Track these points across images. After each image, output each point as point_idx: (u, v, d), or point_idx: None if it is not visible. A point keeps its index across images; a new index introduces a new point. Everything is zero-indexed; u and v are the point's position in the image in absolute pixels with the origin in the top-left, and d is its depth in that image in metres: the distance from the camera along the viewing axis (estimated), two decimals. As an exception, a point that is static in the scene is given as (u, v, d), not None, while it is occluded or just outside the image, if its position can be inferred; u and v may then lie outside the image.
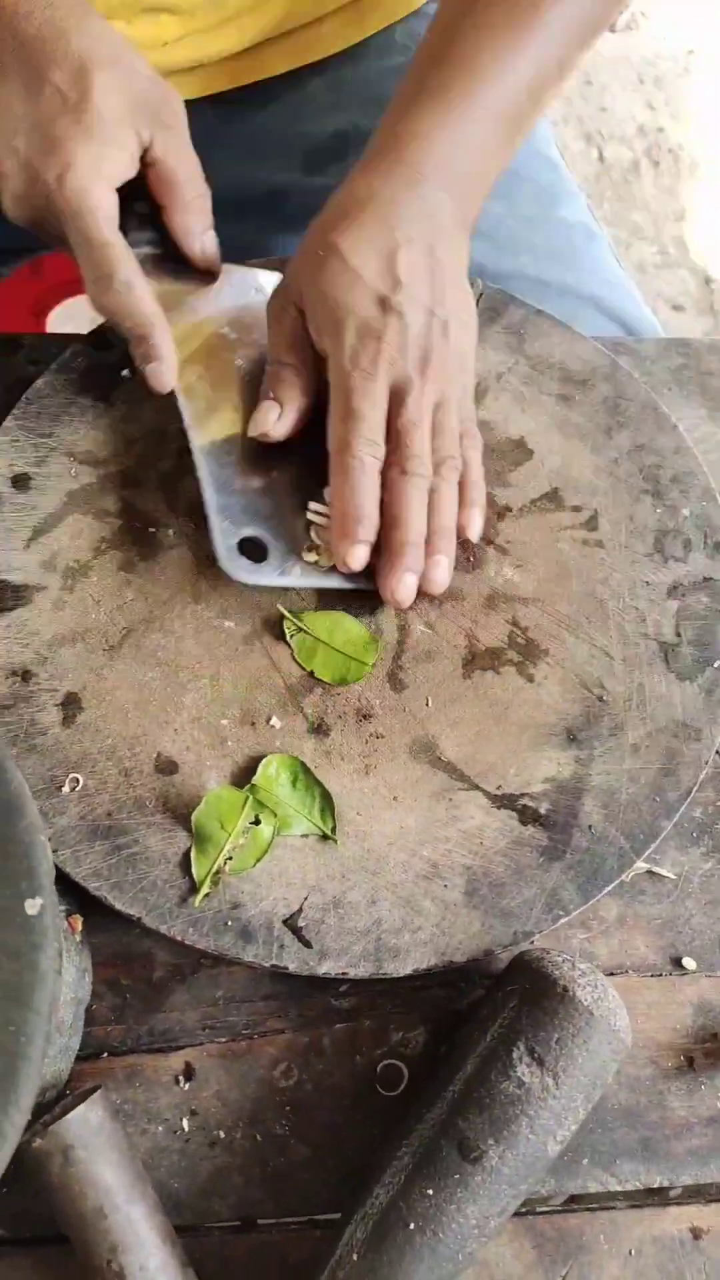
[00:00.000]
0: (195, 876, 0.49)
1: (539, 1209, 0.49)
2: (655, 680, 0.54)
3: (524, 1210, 0.49)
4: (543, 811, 0.51)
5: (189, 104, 0.67)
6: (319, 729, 0.52)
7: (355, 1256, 0.43)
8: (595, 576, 0.56)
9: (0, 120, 0.52)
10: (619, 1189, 0.49)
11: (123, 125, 0.52)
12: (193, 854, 0.49)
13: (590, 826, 0.51)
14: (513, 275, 0.67)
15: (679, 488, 0.58)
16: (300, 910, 0.49)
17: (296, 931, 0.48)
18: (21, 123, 0.51)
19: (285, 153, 0.71)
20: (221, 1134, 0.49)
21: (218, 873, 0.49)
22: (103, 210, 0.51)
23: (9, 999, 0.28)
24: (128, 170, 0.53)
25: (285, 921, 0.49)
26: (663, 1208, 0.49)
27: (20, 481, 0.56)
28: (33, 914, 0.29)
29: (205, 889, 0.48)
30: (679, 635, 0.55)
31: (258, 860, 0.49)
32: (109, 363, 0.59)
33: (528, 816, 0.51)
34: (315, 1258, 0.44)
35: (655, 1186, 0.49)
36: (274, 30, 0.67)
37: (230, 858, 0.49)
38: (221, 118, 0.70)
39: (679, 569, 0.56)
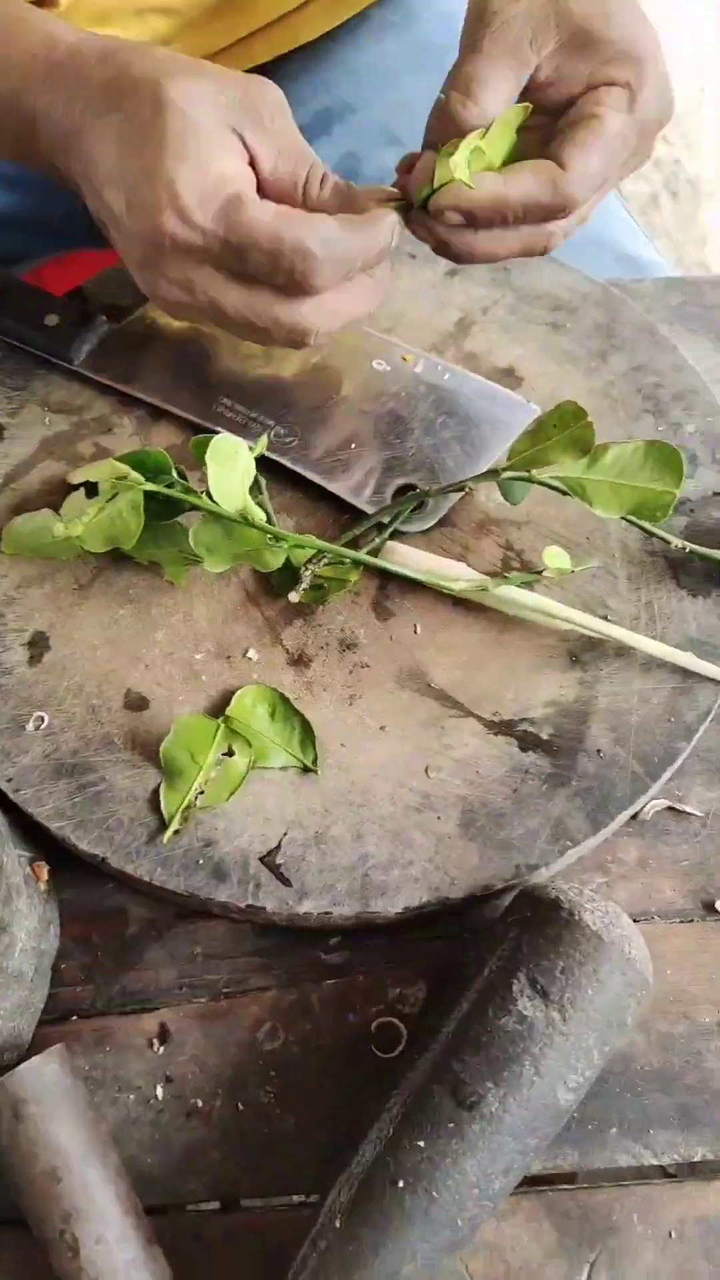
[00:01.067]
0: (165, 812, 0.45)
1: (561, 1185, 0.42)
2: (665, 597, 0.50)
3: (543, 1186, 0.42)
4: (544, 736, 0.47)
5: None
6: (299, 660, 0.49)
7: (338, 1223, 0.37)
8: (594, 496, 0.52)
9: (100, 171, 0.46)
10: (654, 1163, 0.42)
11: (218, 128, 0.45)
12: (162, 788, 0.45)
13: (598, 750, 0.46)
14: None
15: (681, 405, 0.55)
16: (279, 846, 0.45)
17: (274, 869, 0.44)
18: (116, 169, 0.45)
19: None
20: (199, 1103, 0.44)
21: (189, 807, 0.45)
22: (248, 194, 0.44)
23: None
24: (242, 170, 0.46)
25: (262, 859, 0.44)
26: (706, 1182, 0.42)
27: (-7, 432, 0.55)
28: None
29: (175, 825, 0.44)
30: (688, 550, 0.51)
31: (231, 793, 0.45)
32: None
33: (528, 742, 0.47)
34: (301, 1239, 0.39)
35: (696, 1160, 0.43)
36: (261, 22, 0.68)
37: (202, 791, 0.45)
38: None
39: (685, 484, 0.52)
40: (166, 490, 0.47)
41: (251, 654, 0.49)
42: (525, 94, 0.48)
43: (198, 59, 0.48)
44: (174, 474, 0.48)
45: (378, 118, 0.68)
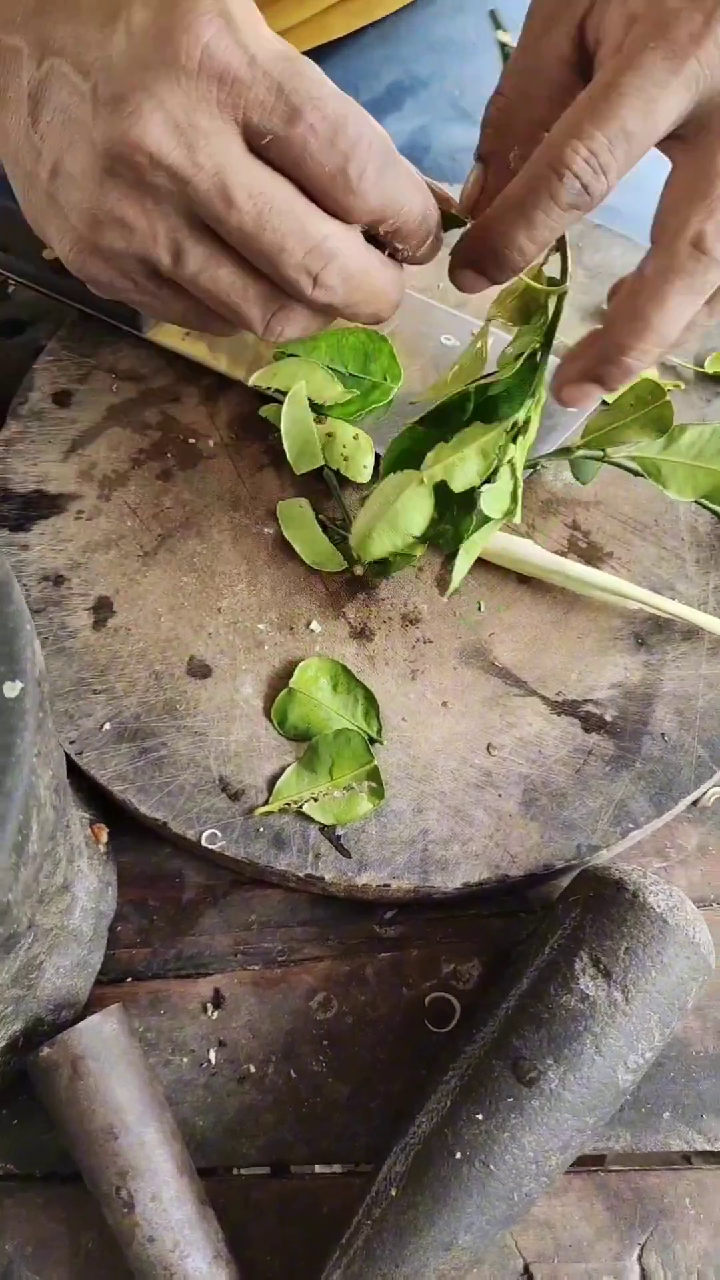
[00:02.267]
0: (278, 788, 0.45)
1: (612, 1166, 0.42)
2: (733, 582, 0.49)
3: (595, 1167, 0.42)
4: (609, 718, 0.46)
5: None
6: (361, 633, 0.49)
7: (394, 1192, 0.37)
8: (663, 478, 0.52)
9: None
10: (706, 1148, 0.42)
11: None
12: (293, 769, 0.45)
13: (663, 734, 0.46)
14: None
15: (754, 389, 0.54)
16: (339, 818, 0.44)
17: (334, 840, 0.44)
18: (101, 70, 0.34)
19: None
20: (252, 1068, 0.44)
21: (294, 804, 0.45)
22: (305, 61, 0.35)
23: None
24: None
25: (322, 829, 0.44)
26: (760, 1171, 0.42)
27: (61, 398, 0.55)
28: (10, 696, 0.26)
29: (274, 806, 0.44)
30: (759, 536, 0.50)
31: (336, 823, 0.45)
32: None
33: (592, 723, 0.46)
34: (352, 1205, 0.39)
35: (751, 1148, 0.42)
36: (329, 1, 0.68)
37: (315, 799, 0.45)
38: None
39: (757, 469, 0.52)
40: None
41: (314, 626, 0.49)
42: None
43: None
44: None
45: (450, 91, 0.68)
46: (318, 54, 0.71)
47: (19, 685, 0.27)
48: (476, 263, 0.41)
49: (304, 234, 0.35)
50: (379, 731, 0.46)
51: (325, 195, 0.35)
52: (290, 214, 0.35)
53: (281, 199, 0.35)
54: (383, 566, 0.48)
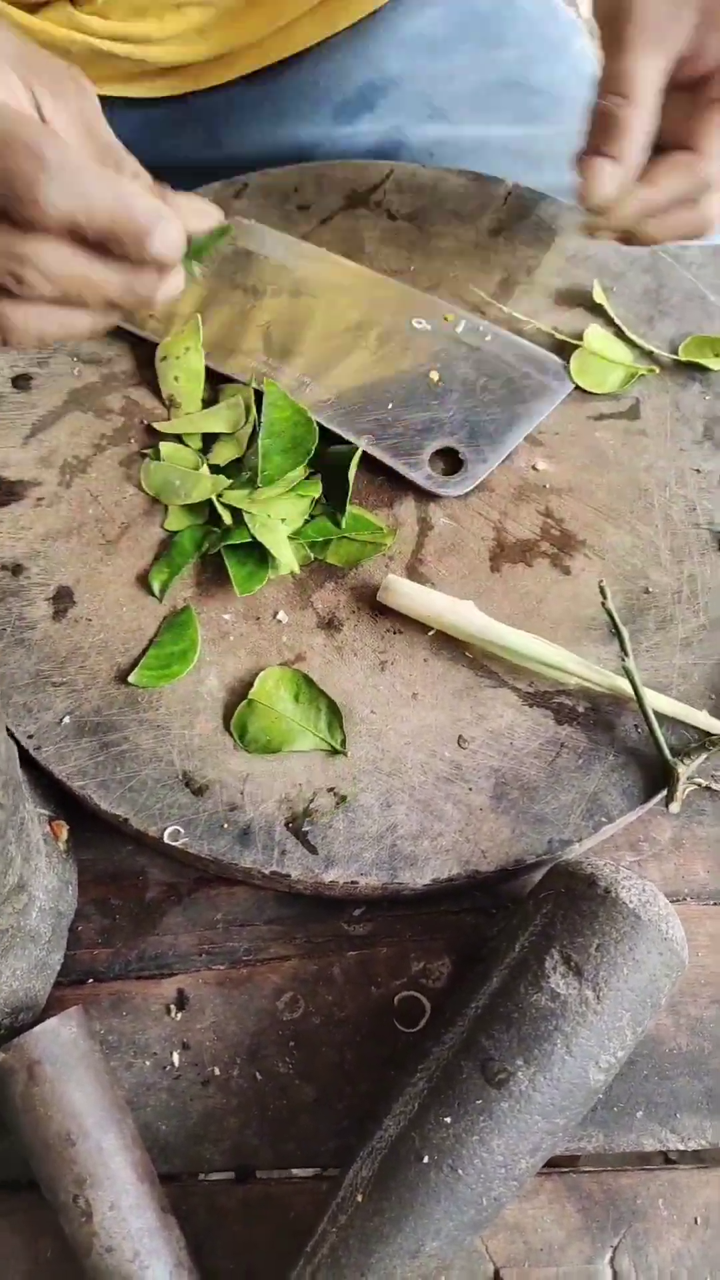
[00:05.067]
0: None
1: (584, 1167, 0.41)
2: (709, 571, 0.48)
3: (567, 1168, 0.41)
4: (581, 710, 0.45)
5: (221, 87, 0.65)
6: (330, 623, 0.47)
7: (360, 1197, 0.36)
8: (638, 465, 0.51)
9: None
10: (680, 1147, 0.41)
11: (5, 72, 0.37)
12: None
13: (636, 726, 0.45)
14: (556, 189, 0.63)
15: (730, 374, 0.53)
16: (305, 813, 0.43)
17: (300, 836, 0.43)
18: None
19: (314, 109, 0.69)
20: (216, 1071, 0.43)
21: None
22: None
23: None
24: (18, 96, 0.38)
25: (288, 824, 0.43)
26: (734, 1169, 0.41)
27: (21, 381, 0.53)
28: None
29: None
30: (734, 524, 0.49)
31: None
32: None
33: (564, 715, 0.45)
34: (319, 1211, 0.38)
35: (725, 1146, 0.42)
36: (303, 9, 0.65)
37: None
38: (248, 87, 0.68)
39: (732, 455, 0.51)
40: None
41: (281, 616, 0.47)
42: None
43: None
44: None
45: (422, 90, 0.66)
46: (288, 61, 0.69)
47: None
48: (626, 229, 0.49)
49: None
50: (343, 743, 0.45)
51: (12, 214, 0.35)
52: None
53: None
54: (353, 552, 0.47)
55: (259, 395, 0.50)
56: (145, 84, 0.64)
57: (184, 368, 0.52)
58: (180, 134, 0.66)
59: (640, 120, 0.45)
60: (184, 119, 0.66)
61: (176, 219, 0.37)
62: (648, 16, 0.45)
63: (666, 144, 0.47)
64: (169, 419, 0.52)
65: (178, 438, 0.51)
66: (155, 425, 0.52)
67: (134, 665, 0.46)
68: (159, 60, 0.62)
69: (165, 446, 0.51)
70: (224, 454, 0.50)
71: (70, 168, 0.35)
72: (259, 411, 0.50)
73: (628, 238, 0.50)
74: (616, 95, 0.45)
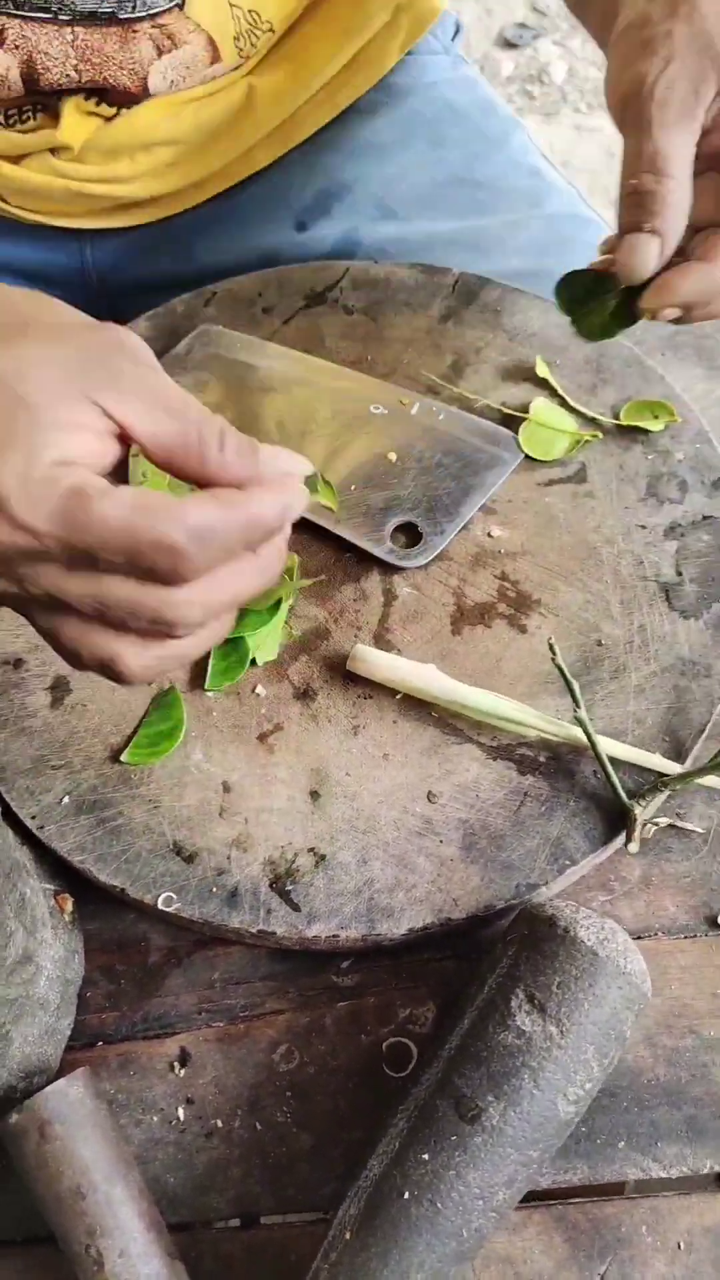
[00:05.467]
0: None
1: (571, 1199, 0.43)
2: (657, 620, 0.51)
3: (553, 1200, 0.43)
4: (542, 760, 0.48)
5: (187, 212, 0.71)
6: (305, 694, 0.51)
7: (348, 1235, 0.39)
8: (587, 525, 0.54)
9: None
10: (662, 1175, 0.43)
11: (63, 400, 0.34)
12: None
13: (594, 772, 0.48)
14: (503, 274, 0.68)
15: (669, 434, 0.56)
16: (288, 873, 0.46)
17: (284, 894, 0.46)
18: None
19: (274, 218, 0.74)
20: (219, 1123, 0.45)
21: None
22: (93, 483, 0.33)
23: None
24: (93, 448, 0.34)
25: (272, 885, 0.46)
26: (714, 1194, 0.43)
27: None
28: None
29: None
30: (680, 574, 0.52)
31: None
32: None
33: (526, 766, 0.48)
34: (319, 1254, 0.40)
35: (704, 1172, 0.43)
36: (261, 134, 0.71)
37: None
38: (216, 204, 0.73)
39: (675, 510, 0.54)
40: None
41: (260, 690, 0.51)
42: None
43: (39, 300, 0.38)
44: None
45: (374, 192, 0.71)
46: (251, 178, 0.74)
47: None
48: (688, 303, 0.47)
49: (140, 609, 0.34)
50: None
51: (160, 581, 0.34)
52: (125, 600, 0.34)
53: (116, 591, 0.34)
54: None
55: None
56: (123, 215, 0.70)
57: (150, 465, 0.56)
58: (157, 253, 0.72)
59: (677, 194, 0.45)
60: (160, 240, 0.72)
61: (291, 494, 0.36)
62: (671, 95, 0.44)
63: (698, 223, 0.47)
64: None
65: None
66: None
67: (126, 744, 0.50)
68: (134, 195, 0.68)
69: None
70: None
71: (213, 544, 0.33)
72: None
73: (684, 317, 0.48)
74: (649, 173, 0.45)
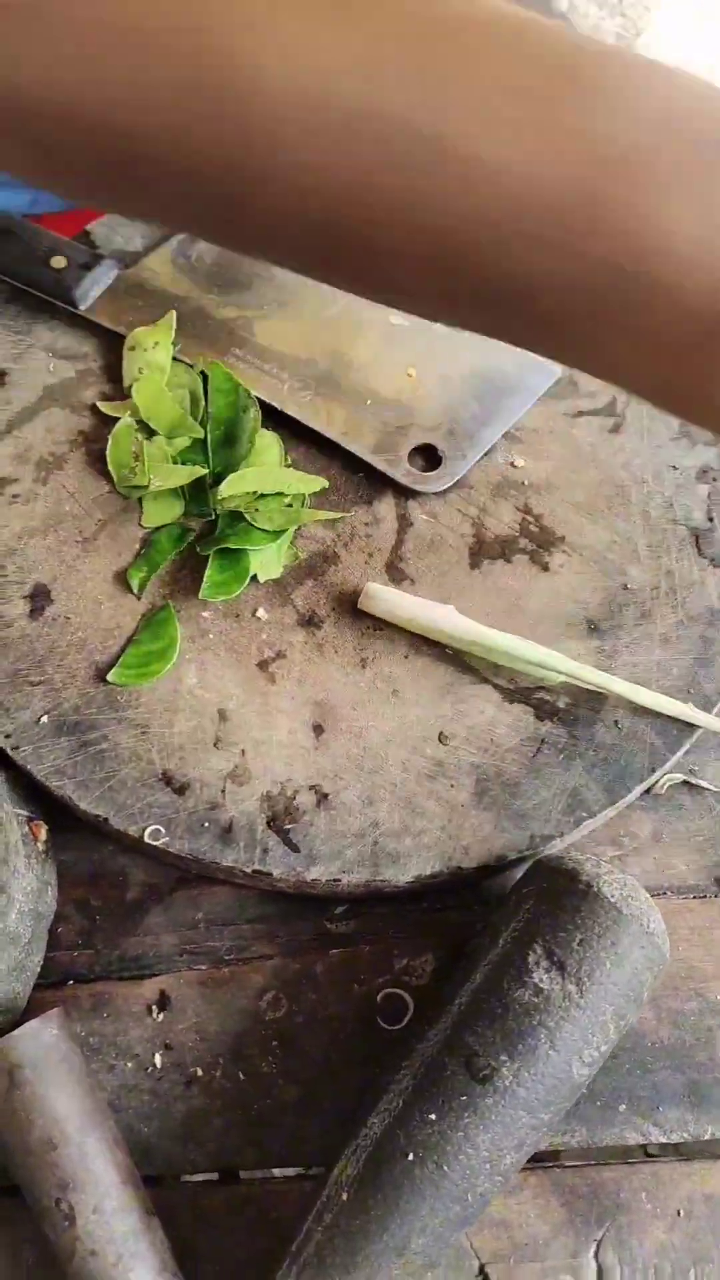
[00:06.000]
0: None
1: (568, 1162, 0.42)
2: (686, 566, 0.48)
3: (550, 1163, 0.41)
4: (561, 706, 0.45)
5: None
6: (310, 621, 0.47)
7: (345, 1196, 0.36)
8: (615, 461, 0.51)
9: None
10: (662, 1140, 0.42)
11: None
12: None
13: (616, 722, 0.45)
14: None
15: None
16: (286, 811, 0.43)
17: (282, 834, 0.43)
18: None
19: None
20: (199, 1071, 0.42)
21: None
22: None
23: None
24: None
25: (269, 823, 0.43)
26: (715, 1161, 0.41)
27: (-5, 377, 0.53)
28: None
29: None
30: (711, 520, 0.49)
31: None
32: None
33: (545, 711, 0.45)
34: (303, 1213, 0.37)
35: (706, 1138, 0.42)
36: None
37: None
38: None
39: (708, 453, 0.51)
40: None
41: (261, 613, 0.47)
42: None
43: None
44: None
45: None
46: None
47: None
48: None
49: None
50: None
51: None
52: None
53: None
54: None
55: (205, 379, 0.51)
56: None
57: (149, 360, 0.51)
58: None
59: None
60: None
61: None
62: None
63: None
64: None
65: (143, 425, 0.51)
66: (101, 406, 0.51)
67: (113, 663, 0.46)
68: None
69: (120, 430, 0.50)
70: (179, 443, 0.50)
71: None
72: (206, 399, 0.50)
73: None
74: None
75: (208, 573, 0.47)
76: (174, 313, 0.53)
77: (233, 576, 0.47)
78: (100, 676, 0.45)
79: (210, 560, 0.47)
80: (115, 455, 0.50)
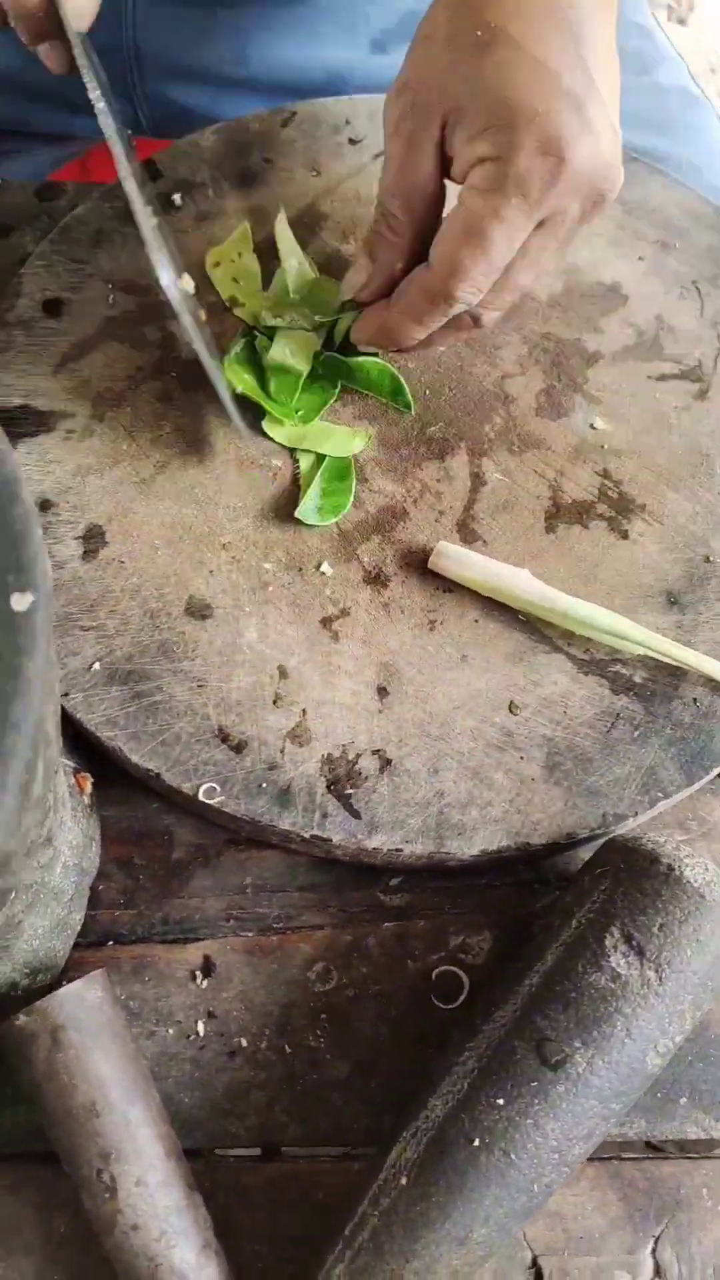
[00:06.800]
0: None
1: (627, 1154, 0.40)
2: (771, 543, 0.46)
3: (608, 1155, 0.40)
4: (638, 680, 0.43)
5: (250, 2, 0.62)
6: (376, 578, 0.45)
7: (405, 1180, 0.34)
8: (700, 429, 0.49)
9: None
10: (726, 1136, 0.40)
11: None
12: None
13: (695, 699, 0.43)
14: None
15: None
16: (348, 775, 0.41)
17: (343, 798, 0.41)
18: None
19: (348, 33, 0.65)
20: (243, 1042, 0.40)
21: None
22: None
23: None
24: None
25: (330, 787, 0.41)
26: (780, 1161, 0.40)
27: (52, 306, 0.50)
28: (20, 610, 0.22)
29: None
30: None
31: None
32: (157, 192, 0.53)
33: (620, 685, 0.43)
34: (351, 1192, 0.36)
35: (770, 1137, 0.40)
36: None
37: None
38: (281, 6, 0.65)
39: None
40: None
41: (325, 568, 0.45)
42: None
43: None
44: None
45: None
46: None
47: (30, 598, 0.23)
48: (377, 342, 0.46)
49: None
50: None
51: None
52: None
53: None
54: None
55: None
56: None
57: (240, 270, 0.50)
58: (206, 41, 0.63)
59: (389, 234, 0.44)
60: (210, 26, 0.62)
61: None
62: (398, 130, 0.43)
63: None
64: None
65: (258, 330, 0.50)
66: (234, 314, 0.50)
67: (164, 609, 0.43)
68: None
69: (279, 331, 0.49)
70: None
71: None
72: None
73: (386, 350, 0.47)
74: (381, 203, 0.44)
75: (320, 490, 0.46)
76: (248, 224, 0.51)
77: (343, 491, 0.46)
78: (156, 624, 0.43)
79: (319, 476, 0.46)
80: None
